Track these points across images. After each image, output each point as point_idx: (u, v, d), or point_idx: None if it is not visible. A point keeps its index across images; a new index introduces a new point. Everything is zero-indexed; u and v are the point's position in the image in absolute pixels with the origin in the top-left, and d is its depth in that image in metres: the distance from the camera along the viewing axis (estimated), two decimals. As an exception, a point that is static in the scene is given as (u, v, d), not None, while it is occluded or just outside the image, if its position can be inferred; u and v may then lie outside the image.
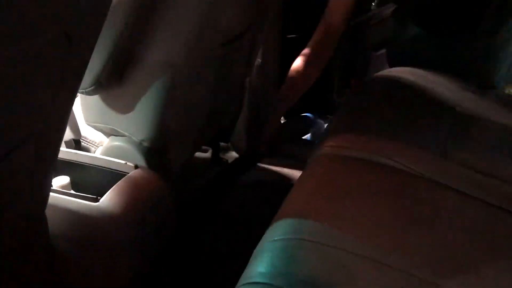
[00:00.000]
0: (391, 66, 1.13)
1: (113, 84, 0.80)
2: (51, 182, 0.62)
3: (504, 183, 0.69)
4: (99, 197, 0.73)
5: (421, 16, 1.05)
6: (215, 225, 1.09)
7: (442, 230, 0.59)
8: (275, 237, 0.57)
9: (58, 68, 0.46)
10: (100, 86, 0.77)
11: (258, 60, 1.20)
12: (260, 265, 0.54)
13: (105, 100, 0.84)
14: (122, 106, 0.83)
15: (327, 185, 0.65)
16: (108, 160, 0.81)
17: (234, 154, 1.31)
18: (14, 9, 0.35)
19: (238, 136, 1.30)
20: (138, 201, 0.76)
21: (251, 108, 1.26)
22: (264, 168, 1.28)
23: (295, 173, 1.24)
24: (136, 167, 0.81)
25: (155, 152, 0.86)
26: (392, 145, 0.74)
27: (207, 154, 1.28)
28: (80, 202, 0.72)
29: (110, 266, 0.70)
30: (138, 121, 0.83)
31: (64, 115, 0.54)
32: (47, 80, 0.45)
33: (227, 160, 1.29)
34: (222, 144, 1.29)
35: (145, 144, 0.85)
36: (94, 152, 0.95)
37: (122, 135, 0.86)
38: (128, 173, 0.80)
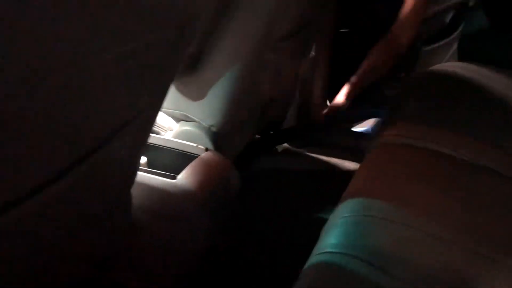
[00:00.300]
0: (460, 58, 1.15)
1: (187, 72, 0.87)
2: (139, 163, 0.69)
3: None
4: (175, 175, 0.81)
5: (490, 8, 1.05)
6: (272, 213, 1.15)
7: (501, 213, 0.64)
8: (346, 214, 0.63)
9: (167, 61, 0.53)
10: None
11: (312, 53, 1.26)
12: (333, 238, 0.61)
13: (178, 87, 0.91)
14: (194, 93, 0.91)
15: (391, 170, 0.71)
16: (181, 143, 0.89)
17: (284, 144, 1.37)
18: (135, 6, 0.41)
19: (288, 126, 1.36)
20: (210, 180, 0.83)
21: (302, 98, 1.32)
22: (314, 158, 1.34)
23: (347, 164, 1.29)
24: (206, 149, 0.89)
25: (222, 136, 0.93)
26: (450, 135, 0.78)
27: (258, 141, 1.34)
28: (159, 179, 0.80)
29: (188, 240, 0.78)
30: (208, 108, 0.91)
31: (159, 102, 0.62)
32: (153, 72, 0.51)
33: (276, 149, 1.36)
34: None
35: (213, 129, 0.92)
36: (164, 136, 1.03)
37: (192, 121, 0.93)
38: (199, 155, 0.87)
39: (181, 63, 0.58)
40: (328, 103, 1.32)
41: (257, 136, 1.32)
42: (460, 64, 1.05)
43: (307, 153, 1.36)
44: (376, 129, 1.45)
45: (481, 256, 0.58)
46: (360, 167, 0.75)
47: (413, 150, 0.75)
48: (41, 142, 0.37)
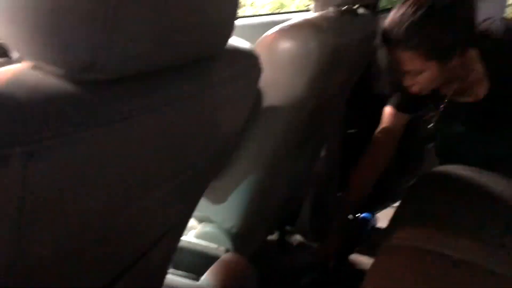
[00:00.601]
0: (439, 160, 1.25)
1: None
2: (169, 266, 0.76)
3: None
4: (199, 276, 0.87)
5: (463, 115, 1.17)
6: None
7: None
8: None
9: (203, 182, 0.62)
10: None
11: (323, 153, 1.35)
12: None
13: (202, 192, 1.00)
14: (216, 197, 0.99)
15: (400, 273, 0.76)
16: (203, 244, 0.96)
17: (299, 238, 1.42)
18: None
19: (303, 220, 1.42)
20: (231, 281, 0.89)
21: (316, 194, 1.39)
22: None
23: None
24: (226, 250, 0.95)
25: (241, 236, 0.99)
26: (454, 237, 0.84)
27: (273, 237, 1.40)
28: (184, 281, 0.86)
29: None
30: (228, 211, 0.98)
31: (191, 212, 0.70)
32: (190, 193, 0.60)
33: (292, 243, 1.41)
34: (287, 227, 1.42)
35: (234, 230, 0.99)
36: (187, 235, 1.10)
37: (213, 222, 1.01)
38: (220, 256, 0.94)
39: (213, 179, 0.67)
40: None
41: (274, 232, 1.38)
42: (461, 166, 1.13)
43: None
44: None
45: None
46: (371, 267, 0.80)
47: (419, 253, 0.81)
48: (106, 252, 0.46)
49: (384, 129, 1.26)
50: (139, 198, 0.47)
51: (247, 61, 0.62)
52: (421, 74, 1.06)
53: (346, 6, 0.98)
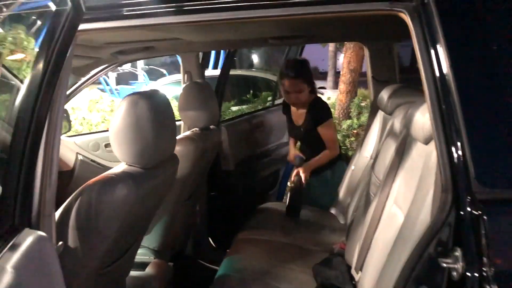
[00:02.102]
0: None
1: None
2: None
3: None
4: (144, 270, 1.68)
5: None
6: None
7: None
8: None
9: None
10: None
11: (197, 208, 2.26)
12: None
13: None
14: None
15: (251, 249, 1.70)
16: (144, 256, 1.76)
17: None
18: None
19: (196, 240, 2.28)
20: (158, 272, 1.71)
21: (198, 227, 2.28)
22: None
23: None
24: (155, 258, 1.77)
25: (160, 251, 1.82)
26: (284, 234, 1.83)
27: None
28: (137, 272, 1.65)
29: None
30: (152, 238, 1.81)
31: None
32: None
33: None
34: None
35: (156, 248, 1.81)
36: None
37: (145, 246, 1.82)
38: (151, 261, 1.75)
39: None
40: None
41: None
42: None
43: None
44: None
45: None
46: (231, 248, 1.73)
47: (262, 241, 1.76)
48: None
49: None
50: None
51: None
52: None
53: (203, 126, 1.96)
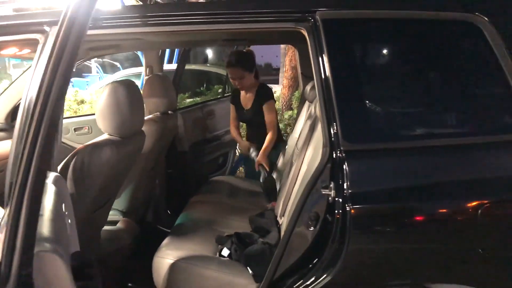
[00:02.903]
0: None
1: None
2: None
3: None
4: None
5: None
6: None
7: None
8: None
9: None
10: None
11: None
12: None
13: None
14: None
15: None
16: (115, 216, 2.16)
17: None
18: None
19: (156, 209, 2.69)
20: (127, 227, 2.12)
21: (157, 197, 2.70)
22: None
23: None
24: (123, 217, 2.18)
25: (128, 212, 2.23)
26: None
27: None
28: (110, 226, 2.06)
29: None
30: (122, 201, 2.21)
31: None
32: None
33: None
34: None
35: (124, 210, 2.22)
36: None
37: (116, 208, 2.22)
38: (122, 219, 2.16)
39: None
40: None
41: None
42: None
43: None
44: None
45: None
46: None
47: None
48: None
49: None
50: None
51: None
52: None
53: (163, 111, 2.38)
